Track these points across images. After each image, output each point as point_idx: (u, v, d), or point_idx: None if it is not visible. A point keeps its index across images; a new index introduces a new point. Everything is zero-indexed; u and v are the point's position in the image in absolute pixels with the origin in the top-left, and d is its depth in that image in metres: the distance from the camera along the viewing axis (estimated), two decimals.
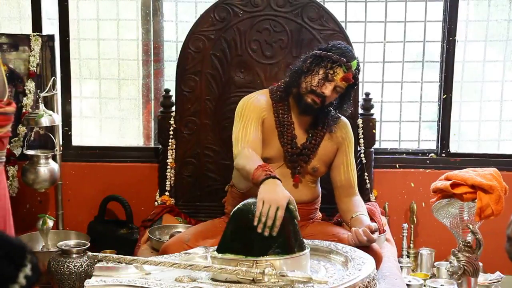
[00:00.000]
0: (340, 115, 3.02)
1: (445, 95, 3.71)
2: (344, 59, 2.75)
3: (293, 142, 2.88)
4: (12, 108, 2.03)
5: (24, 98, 3.62)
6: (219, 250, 2.25)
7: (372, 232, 2.60)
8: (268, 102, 2.90)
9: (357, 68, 2.82)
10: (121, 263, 2.26)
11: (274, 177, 2.37)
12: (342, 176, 2.96)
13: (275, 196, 2.26)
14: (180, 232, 3.08)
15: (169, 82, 3.79)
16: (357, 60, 2.82)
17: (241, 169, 2.62)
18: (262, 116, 2.85)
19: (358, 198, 2.97)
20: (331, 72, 2.75)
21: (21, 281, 1.15)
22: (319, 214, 3.11)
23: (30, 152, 3.54)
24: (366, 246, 2.56)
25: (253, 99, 2.89)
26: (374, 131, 3.49)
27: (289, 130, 2.88)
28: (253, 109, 2.84)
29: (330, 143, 2.95)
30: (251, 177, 2.46)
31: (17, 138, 3.64)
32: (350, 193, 2.96)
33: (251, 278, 2.10)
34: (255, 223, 2.19)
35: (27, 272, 1.17)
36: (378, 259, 2.58)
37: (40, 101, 3.48)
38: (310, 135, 2.91)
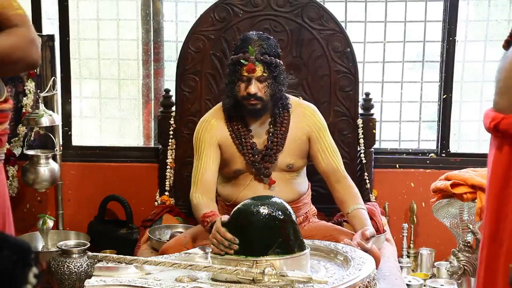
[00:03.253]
0: (304, 102, 3.03)
1: (445, 95, 3.71)
2: (241, 54, 2.74)
3: (254, 150, 2.86)
4: (9, 105, 2.02)
5: (24, 98, 3.62)
6: None
7: (368, 239, 2.58)
8: (221, 120, 2.90)
9: (260, 50, 2.74)
10: (121, 263, 2.26)
11: (213, 224, 2.47)
12: (323, 163, 2.90)
13: (211, 234, 2.37)
14: (180, 232, 3.09)
15: (169, 82, 3.79)
16: (256, 42, 2.75)
17: (196, 217, 2.80)
18: (215, 141, 2.87)
19: (349, 184, 2.91)
20: (239, 73, 2.75)
21: (31, 281, 1.19)
22: (312, 209, 3.08)
23: (30, 152, 3.54)
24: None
25: (203, 126, 2.91)
26: (374, 131, 3.49)
27: (247, 140, 2.86)
28: (204, 139, 2.88)
29: (298, 135, 2.90)
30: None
31: (17, 138, 3.64)
32: (339, 178, 2.90)
33: (251, 278, 2.10)
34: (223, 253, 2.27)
35: (35, 271, 1.20)
36: (375, 260, 2.57)
37: (40, 101, 3.48)
38: (270, 135, 2.88)
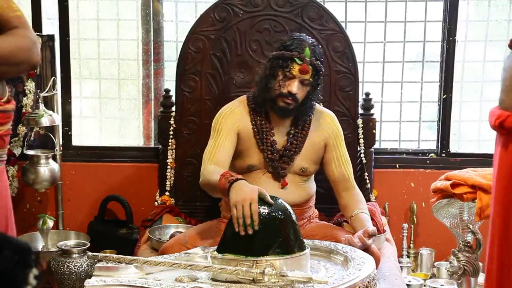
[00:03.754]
0: (324, 108, 3.04)
1: (445, 95, 3.71)
2: (296, 52, 2.74)
3: (274, 148, 2.87)
4: (12, 106, 2.03)
5: (24, 98, 3.62)
6: (219, 250, 2.26)
7: (370, 236, 2.59)
8: (245, 111, 2.90)
9: (314, 55, 2.76)
10: (121, 263, 2.26)
11: (238, 179, 2.39)
12: (335, 171, 2.94)
13: (243, 195, 2.29)
14: (180, 232, 3.08)
15: (169, 82, 3.79)
16: (311, 46, 2.78)
17: (206, 185, 2.66)
18: (235, 128, 2.86)
19: (356, 192, 2.95)
20: (288, 69, 2.75)
21: (32, 282, 1.19)
22: (315, 212, 3.09)
23: (30, 152, 3.54)
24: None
25: (226, 112, 2.90)
26: (374, 131, 3.49)
27: (268, 136, 2.87)
28: (225, 123, 2.85)
29: (316, 140, 2.93)
30: (218, 189, 2.48)
31: (17, 138, 3.64)
32: (348, 187, 2.94)
33: (251, 278, 2.10)
34: (236, 229, 2.21)
35: (35, 272, 1.20)
36: (375, 260, 2.56)
37: (40, 101, 3.48)
38: (290, 136, 2.90)
